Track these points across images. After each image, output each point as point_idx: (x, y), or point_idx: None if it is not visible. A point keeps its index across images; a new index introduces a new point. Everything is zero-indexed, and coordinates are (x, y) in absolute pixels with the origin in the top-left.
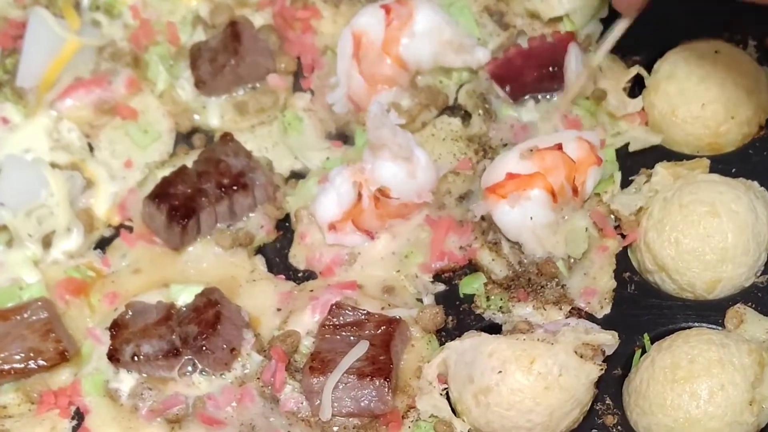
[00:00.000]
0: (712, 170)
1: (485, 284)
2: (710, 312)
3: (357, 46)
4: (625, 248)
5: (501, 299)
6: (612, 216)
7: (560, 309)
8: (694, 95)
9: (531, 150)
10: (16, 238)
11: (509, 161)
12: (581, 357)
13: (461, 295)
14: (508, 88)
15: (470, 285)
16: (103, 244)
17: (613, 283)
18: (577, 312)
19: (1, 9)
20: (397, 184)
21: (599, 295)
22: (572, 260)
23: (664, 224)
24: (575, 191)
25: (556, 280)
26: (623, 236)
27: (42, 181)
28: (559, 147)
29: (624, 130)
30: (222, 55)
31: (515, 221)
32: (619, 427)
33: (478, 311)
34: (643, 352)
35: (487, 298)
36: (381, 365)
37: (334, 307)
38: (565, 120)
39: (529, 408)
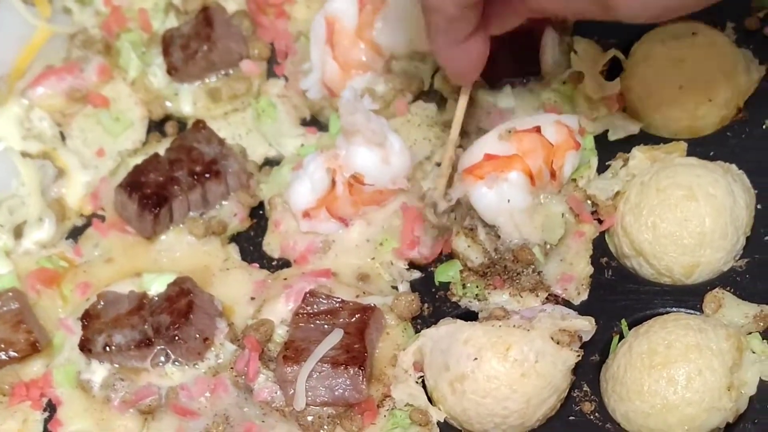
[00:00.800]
0: (689, 153)
1: (461, 271)
2: (688, 297)
3: (330, 32)
4: (602, 233)
5: (477, 287)
6: (589, 201)
7: (537, 296)
8: (671, 78)
9: (509, 131)
10: None
11: (487, 142)
12: (558, 343)
13: (437, 283)
14: (483, 73)
15: (446, 273)
16: (75, 234)
17: (590, 269)
18: (554, 299)
19: None
20: (371, 171)
21: (576, 282)
22: (548, 246)
23: (641, 208)
24: (553, 175)
25: (533, 266)
26: (600, 222)
27: (13, 171)
28: (538, 129)
29: (602, 114)
30: (194, 41)
31: (492, 204)
32: (596, 414)
33: (453, 299)
34: (621, 338)
35: (463, 286)
36: (355, 353)
37: (308, 295)
38: (544, 106)
39: (506, 395)
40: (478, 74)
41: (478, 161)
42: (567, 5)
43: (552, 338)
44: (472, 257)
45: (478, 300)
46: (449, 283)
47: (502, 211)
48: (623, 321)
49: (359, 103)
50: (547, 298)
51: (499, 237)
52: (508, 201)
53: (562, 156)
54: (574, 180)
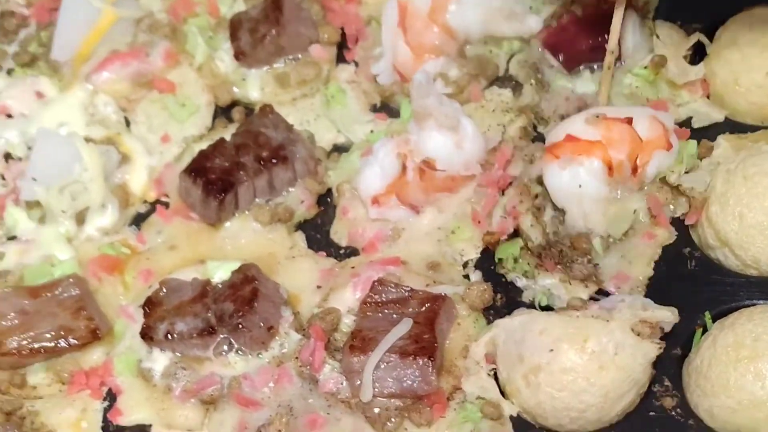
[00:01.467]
0: None
1: (521, 248)
2: None
3: (403, 15)
4: (684, 229)
5: (528, 264)
6: (681, 197)
7: (586, 287)
8: (758, 63)
9: (598, 116)
10: (49, 215)
11: (573, 123)
12: (638, 335)
13: (496, 260)
14: (561, 58)
15: (507, 250)
16: (138, 221)
17: (650, 272)
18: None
19: None
20: (443, 156)
21: (631, 283)
22: (611, 239)
23: (727, 197)
24: (634, 171)
25: (589, 257)
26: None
27: (76, 156)
28: (629, 121)
29: (686, 101)
30: (263, 26)
31: (564, 185)
32: (678, 410)
33: (502, 271)
34: (704, 331)
35: (515, 260)
36: (425, 344)
37: (376, 283)
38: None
39: (583, 388)
40: None
41: (559, 140)
42: None
43: (632, 330)
44: (532, 236)
45: (526, 278)
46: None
47: (572, 196)
48: (707, 313)
49: (432, 87)
50: (596, 293)
51: (563, 222)
52: (580, 186)
53: (650, 153)
54: (663, 178)
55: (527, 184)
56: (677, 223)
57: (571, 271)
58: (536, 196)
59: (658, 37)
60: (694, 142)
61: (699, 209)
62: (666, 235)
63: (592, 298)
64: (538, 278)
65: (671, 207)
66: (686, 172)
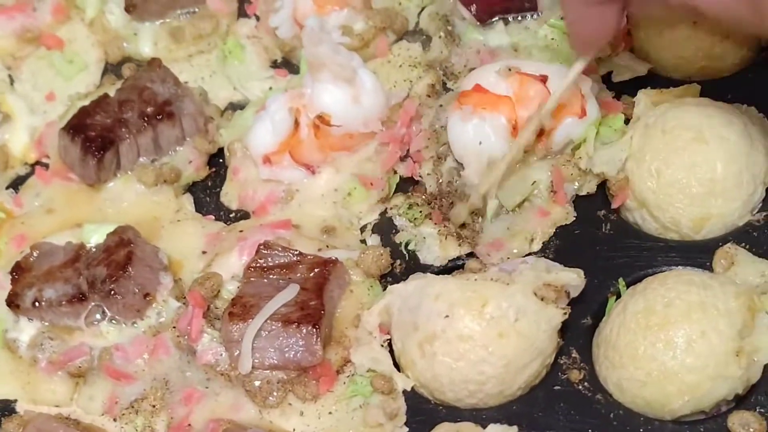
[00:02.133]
0: (703, 97)
1: (414, 192)
2: (697, 254)
3: None
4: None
5: (420, 213)
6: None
7: (459, 246)
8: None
9: (510, 69)
10: None
11: (485, 73)
12: (542, 299)
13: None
14: (473, 9)
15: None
16: (17, 184)
17: (527, 250)
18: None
19: None
20: (339, 111)
21: (503, 253)
22: (503, 208)
23: (644, 153)
24: (540, 135)
25: (476, 217)
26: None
27: None
28: (544, 79)
29: (606, 53)
30: None
31: (464, 138)
32: (585, 383)
33: (390, 213)
34: (618, 298)
35: (409, 207)
36: (311, 311)
37: (261, 247)
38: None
39: (481, 358)
40: (601, 46)
41: (467, 90)
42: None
43: (535, 294)
44: (427, 184)
45: (410, 223)
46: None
47: (472, 150)
48: (621, 280)
49: (325, 34)
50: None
51: (460, 176)
52: (480, 143)
53: (559, 119)
54: (573, 152)
55: (437, 130)
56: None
57: (448, 227)
58: (443, 145)
59: None
60: (621, 116)
61: (623, 190)
62: (562, 214)
63: (459, 258)
64: (421, 227)
65: (576, 185)
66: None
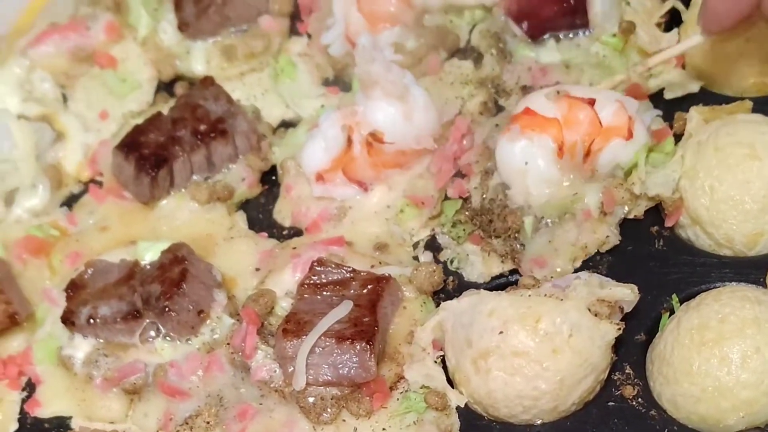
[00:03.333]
0: (755, 114)
1: (459, 210)
2: (750, 270)
3: None
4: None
5: (463, 231)
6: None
7: (502, 263)
8: (737, 29)
9: (559, 93)
10: None
11: (535, 97)
12: (595, 315)
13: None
14: (525, 26)
15: (450, 207)
16: (71, 202)
17: (571, 269)
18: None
19: None
20: (391, 128)
21: (547, 271)
22: (543, 221)
23: (697, 170)
24: (587, 155)
25: (517, 234)
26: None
27: (5, 134)
28: (592, 102)
29: (659, 71)
30: None
31: (510, 157)
32: (639, 399)
33: (437, 229)
34: (671, 314)
35: (453, 225)
36: (364, 327)
37: (315, 264)
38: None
39: (536, 373)
40: (730, 24)
41: (518, 113)
42: None
43: (589, 309)
44: (473, 198)
45: (453, 241)
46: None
47: (517, 171)
48: (674, 296)
49: (377, 52)
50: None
51: (506, 195)
52: (526, 163)
53: (606, 140)
54: (625, 177)
55: (489, 147)
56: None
57: (491, 244)
58: (493, 161)
59: (628, 3)
60: (671, 139)
61: (678, 209)
62: (606, 235)
63: (502, 276)
64: (463, 245)
65: (626, 208)
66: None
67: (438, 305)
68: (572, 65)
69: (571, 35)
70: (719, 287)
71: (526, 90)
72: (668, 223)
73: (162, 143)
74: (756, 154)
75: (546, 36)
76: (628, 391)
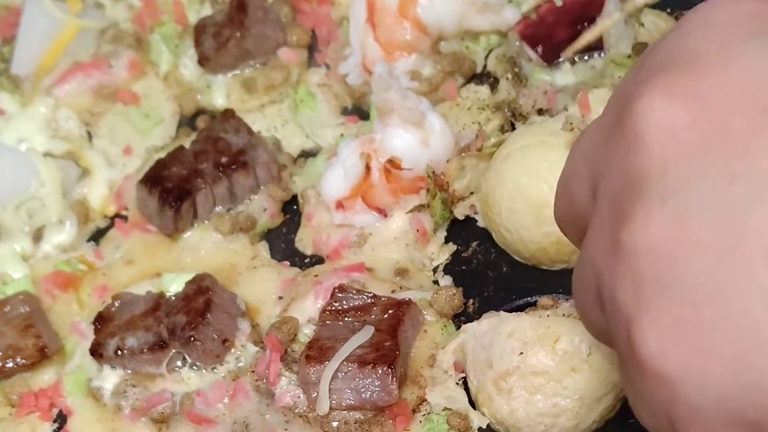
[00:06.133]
0: None
1: None
2: None
3: (371, 10)
4: None
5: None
6: None
7: None
8: None
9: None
10: (4, 232)
11: None
12: None
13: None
14: (540, 49)
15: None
16: (98, 236)
17: None
18: None
19: None
20: (409, 154)
21: None
22: None
23: None
24: None
25: None
26: None
27: (32, 172)
28: None
29: None
30: (226, 29)
31: None
32: None
33: None
34: None
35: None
36: (386, 351)
37: (336, 290)
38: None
39: (555, 392)
40: None
41: None
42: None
43: None
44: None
45: None
46: None
47: None
48: None
49: (393, 79)
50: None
51: None
52: None
53: None
54: None
55: None
56: None
57: None
58: None
59: (642, 24)
60: None
61: None
62: None
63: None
64: None
65: None
66: None
67: (458, 328)
68: (588, 87)
69: (585, 57)
70: None
71: (542, 112)
72: None
73: (185, 176)
74: None
75: (561, 59)
76: None
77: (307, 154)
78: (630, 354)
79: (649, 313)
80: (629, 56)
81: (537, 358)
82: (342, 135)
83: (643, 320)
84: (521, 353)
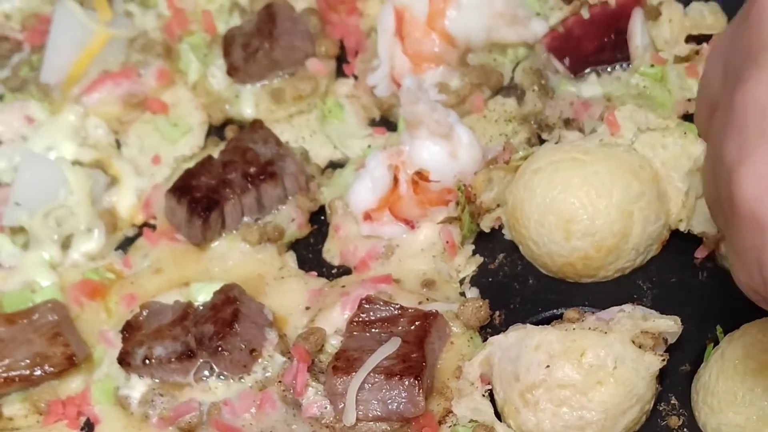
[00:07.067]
0: None
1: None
2: None
3: (399, 22)
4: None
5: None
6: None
7: None
8: None
9: None
10: (33, 240)
11: None
12: (639, 347)
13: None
14: (567, 61)
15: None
16: (126, 245)
17: None
18: None
19: (32, 5)
20: (436, 166)
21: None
22: None
23: None
24: None
25: None
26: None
27: (61, 180)
28: None
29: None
30: (255, 39)
31: None
32: (685, 430)
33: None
34: (716, 345)
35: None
36: (412, 363)
37: (363, 301)
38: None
39: (581, 404)
40: None
41: None
42: None
43: (633, 341)
44: None
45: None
46: None
47: None
48: (718, 327)
49: (422, 92)
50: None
51: None
52: None
53: None
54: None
55: None
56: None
57: None
58: None
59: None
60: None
61: (711, 246)
62: None
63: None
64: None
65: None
66: None
67: (485, 340)
68: (614, 98)
69: (609, 69)
70: (764, 318)
71: (568, 123)
72: (699, 255)
73: (213, 186)
74: None
75: (587, 71)
76: (674, 422)
77: (334, 165)
78: (730, 204)
79: (749, 160)
80: (653, 65)
81: (563, 372)
82: (369, 146)
83: (742, 169)
84: (548, 366)
